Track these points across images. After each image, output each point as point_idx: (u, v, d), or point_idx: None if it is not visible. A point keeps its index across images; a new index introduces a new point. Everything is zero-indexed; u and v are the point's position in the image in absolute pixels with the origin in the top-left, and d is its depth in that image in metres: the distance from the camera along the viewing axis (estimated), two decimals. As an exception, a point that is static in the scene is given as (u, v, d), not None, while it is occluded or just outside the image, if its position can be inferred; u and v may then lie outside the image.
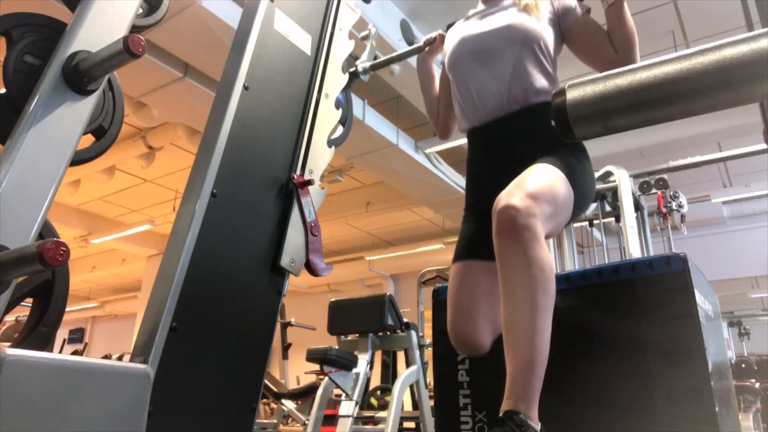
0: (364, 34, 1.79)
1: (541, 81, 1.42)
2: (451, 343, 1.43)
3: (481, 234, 1.43)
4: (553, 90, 1.41)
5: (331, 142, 1.39)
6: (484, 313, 1.38)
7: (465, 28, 1.56)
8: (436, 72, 1.79)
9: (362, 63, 1.75)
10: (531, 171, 1.26)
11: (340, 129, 1.59)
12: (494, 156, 1.46)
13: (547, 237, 1.19)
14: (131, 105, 5.03)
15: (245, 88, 1.21)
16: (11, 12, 1.00)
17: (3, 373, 0.69)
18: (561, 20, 1.48)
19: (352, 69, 1.66)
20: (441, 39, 1.72)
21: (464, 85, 1.51)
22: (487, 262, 1.38)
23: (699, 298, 1.27)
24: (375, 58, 1.79)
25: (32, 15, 1.02)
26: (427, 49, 1.75)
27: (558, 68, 1.50)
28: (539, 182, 1.22)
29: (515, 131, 1.43)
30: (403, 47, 4.20)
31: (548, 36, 1.45)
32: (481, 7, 1.60)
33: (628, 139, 5.43)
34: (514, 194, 1.16)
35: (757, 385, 5.67)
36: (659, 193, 4.65)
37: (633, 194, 4.33)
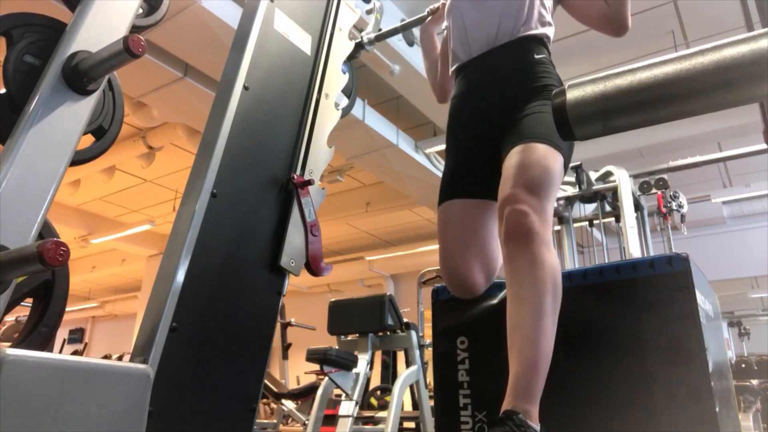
0: (368, 7, 1.82)
1: (532, 16, 1.45)
2: (449, 342, 1.44)
3: (463, 171, 1.46)
4: (544, 28, 1.46)
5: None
6: (473, 250, 1.39)
7: None
8: (438, 40, 1.83)
9: (367, 34, 1.77)
10: (528, 158, 1.26)
11: (345, 100, 1.61)
12: (479, 86, 1.48)
13: None
14: (131, 105, 5.03)
15: (245, 88, 1.21)
16: (11, 12, 1.00)
17: (3, 373, 0.69)
18: None
19: (357, 40, 1.69)
20: (443, 8, 1.75)
21: (459, 24, 1.54)
22: (472, 199, 1.41)
23: (700, 298, 1.27)
24: (379, 29, 1.82)
25: (32, 15, 1.02)
26: (429, 18, 1.79)
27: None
28: (537, 172, 1.23)
29: (501, 63, 1.45)
30: (403, 47, 4.21)
31: None
32: None
33: (628, 139, 5.43)
34: (519, 198, 1.18)
35: (757, 385, 5.67)
36: (659, 193, 4.65)
37: (633, 194, 4.33)
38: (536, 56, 1.42)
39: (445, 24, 1.69)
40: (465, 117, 1.50)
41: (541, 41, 1.46)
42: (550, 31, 1.49)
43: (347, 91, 1.62)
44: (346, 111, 1.58)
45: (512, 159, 1.27)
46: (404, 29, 1.89)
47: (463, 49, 1.52)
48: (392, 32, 1.86)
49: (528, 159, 1.26)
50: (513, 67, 1.43)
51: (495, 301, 1.53)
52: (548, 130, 1.30)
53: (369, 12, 1.84)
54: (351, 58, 1.63)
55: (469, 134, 1.47)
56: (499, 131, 1.39)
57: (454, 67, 1.56)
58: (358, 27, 1.64)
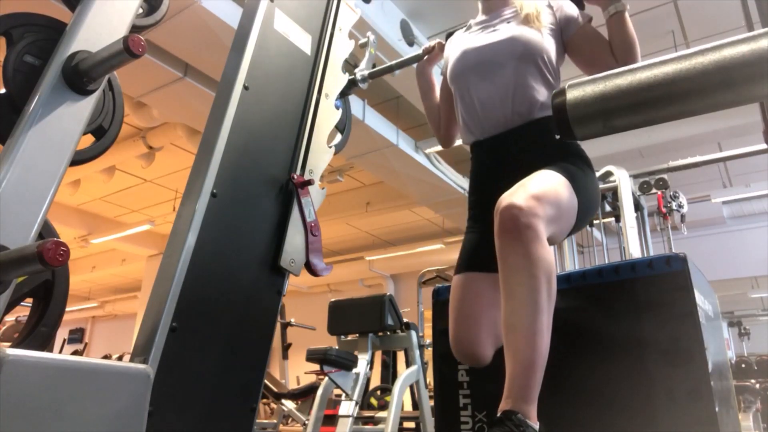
0: (362, 41, 1.78)
1: (544, 94, 1.42)
2: (449, 342, 1.43)
3: (484, 245, 1.43)
4: None
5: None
6: (487, 324, 1.37)
7: (466, 41, 1.54)
8: (436, 81, 1.78)
9: (361, 71, 1.73)
10: (534, 175, 1.26)
11: (339, 137, 1.59)
12: (497, 168, 1.46)
13: (550, 242, 1.18)
14: (131, 105, 5.03)
15: (245, 88, 1.21)
16: (11, 12, 1.00)
17: (3, 373, 0.69)
18: (563, 30, 1.47)
19: (350, 77, 1.66)
20: (440, 47, 1.70)
21: (467, 99, 1.50)
22: (489, 273, 1.39)
23: (699, 298, 1.27)
24: (374, 65, 1.78)
25: (32, 15, 1.02)
26: (426, 57, 1.74)
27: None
28: (542, 185, 1.22)
29: (519, 145, 1.42)
30: (403, 47, 4.22)
31: (550, 48, 1.44)
32: (482, 17, 1.59)
33: (628, 139, 5.43)
34: (516, 194, 1.16)
35: (757, 385, 5.67)
36: (659, 193, 4.65)
37: (633, 194, 4.33)
38: (557, 136, 1.40)
39: (443, 69, 1.65)
40: (485, 194, 1.47)
41: None
42: None
43: (341, 126, 1.59)
44: (339, 147, 1.55)
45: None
46: (399, 67, 1.82)
47: (477, 126, 1.49)
48: (386, 70, 1.80)
49: (534, 175, 1.25)
50: (533, 151, 1.40)
51: (495, 301, 1.53)
52: (566, 173, 1.28)
53: (363, 46, 1.79)
54: (344, 95, 1.60)
55: (490, 210, 1.44)
56: None
57: (470, 141, 1.53)
58: (351, 61, 1.60)
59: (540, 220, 1.14)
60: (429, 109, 1.77)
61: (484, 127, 1.47)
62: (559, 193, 1.23)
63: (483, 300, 1.39)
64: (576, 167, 1.35)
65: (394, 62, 1.83)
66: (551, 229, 1.19)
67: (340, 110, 1.46)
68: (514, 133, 1.43)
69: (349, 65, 1.56)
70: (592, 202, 1.38)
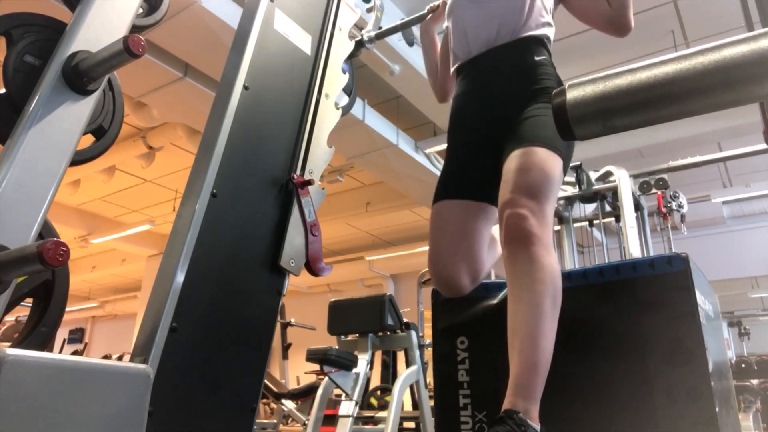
0: (368, 6, 1.83)
1: (532, 17, 1.45)
2: (449, 342, 1.44)
3: (460, 173, 1.46)
4: (544, 29, 1.46)
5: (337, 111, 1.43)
6: (463, 253, 1.39)
7: None
8: (438, 40, 1.83)
9: (367, 32, 1.78)
10: (529, 165, 1.26)
11: (346, 98, 1.62)
12: (479, 87, 1.48)
13: None
14: (131, 105, 5.03)
15: (245, 88, 1.21)
16: (11, 12, 1.00)
17: (3, 373, 0.69)
18: None
19: (357, 38, 1.70)
20: (443, 6, 1.74)
21: (459, 24, 1.54)
22: (466, 201, 1.42)
23: (699, 298, 1.27)
24: (380, 28, 1.82)
25: (32, 15, 1.02)
26: (430, 16, 1.79)
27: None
28: (540, 181, 1.23)
29: (501, 63, 1.45)
30: (403, 47, 4.21)
31: None
32: None
33: (628, 139, 5.43)
34: (519, 201, 1.19)
35: (758, 385, 5.67)
36: (659, 193, 4.65)
37: (633, 194, 4.33)
38: (536, 58, 1.43)
39: (445, 24, 1.69)
40: (465, 118, 1.50)
41: (541, 42, 1.45)
42: (550, 32, 1.49)
43: (348, 90, 1.63)
44: (347, 110, 1.59)
45: (512, 163, 1.28)
46: (404, 27, 1.89)
47: (463, 49, 1.52)
48: (392, 30, 1.86)
49: (527, 163, 1.26)
50: (513, 68, 1.43)
51: (495, 301, 1.53)
52: (548, 134, 1.30)
53: (369, 10, 1.84)
54: (352, 57, 1.63)
55: (468, 136, 1.48)
56: (498, 133, 1.39)
57: (455, 66, 1.56)
58: (359, 26, 1.64)
59: (544, 226, 1.18)
60: (429, 66, 1.82)
61: (472, 48, 1.50)
62: (552, 178, 1.26)
63: (460, 227, 1.41)
64: (547, 110, 1.36)
65: (399, 22, 1.89)
66: (550, 216, 1.25)
67: (347, 75, 1.49)
68: (497, 51, 1.45)
69: (356, 27, 1.60)
70: (571, 150, 1.41)
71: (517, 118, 1.36)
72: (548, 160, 1.28)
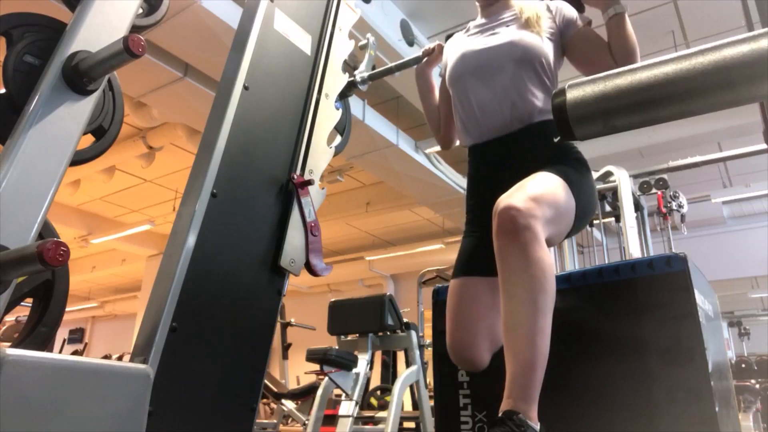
0: (362, 43, 1.78)
1: (542, 99, 1.42)
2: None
3: (482, 249, 1.43)
4: None
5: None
6: (484, 329, 1.37)
7: (465, 44, 1.54)
8: (435, 83, 1.78)
9: (360, 73, 1.73)
10: (532, 177, 1.26)
11: (338, 139, 1.59)
12: (495, 172, 1.46)
13: (548, 243, 1.19)
14: (131, 105, 5.03)
15: (245, 88, 1.21)
16: (11, 12, 1.00)
17: (3, 373, 0.69)
18: (562, 33, 1.47)
19: (350, 79, 1.65)
20: (439, 50, 1.70)
21: (466, 102, 1.50)
22: (487, 277, 1.39)
23: (699, 298, 1.27)
24: (374, 67, 1.78)
25: (32, 15, 1.02)
26: (425, 60, 1.73)
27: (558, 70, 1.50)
28: (540, 187, 1.22)
29: (518, 149, 1.42)
30: (403, 47, 4.21)
31: (549, 52, 1.44)
32: (481, 20, 1.58)
33: (628, 139, 5.43)
34: (514, 196, 1.17)
35: (757, 385, 5.67)
36: (659, 193, 4.65)
37: (633, 194, 4.33)
38: (555, 139, 1.39)
39: (441, 71, 1.65)
40: (483, 199, 1.46)
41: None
42: None
43: (341, 128, 1.59)
44: (339, 149, 1.54)
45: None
46: (398, 69, 1.81)
47: (475, 130, 1.49)
48: (386, 72, 1.79)
49: (532, 177, 1.26)
50: (531, 155, 1.40)
51: (495, 301, 1.52)
52: (564, 175, 1.29)
53: (362, 48, 1.79)
54: (344, 96, 1.60)
55: (484, 218, 1.41)
56: None
57: (468, 144, 1.53)
58: (351, 63, 1.60)
59: (538, 221, 1.14)
60: (428, 111, 1.77)
61: (483, 131, 1.47)
62: (557, 195, 1.24)
63: (480, 304, 1.39)
64: (573, 169, 1.35)
65: (393, 64, 1.83)
66: (549, 231, 1.19)
67: (340, 111, 1.46)
68: (513, 138, 1.43)
69: (349, 67, 1.56)
70: (590, 204, 1.38)
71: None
72: (556, 181, 1.26)
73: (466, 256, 1.47)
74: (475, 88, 1.47)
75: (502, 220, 1.15)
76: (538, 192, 1.19)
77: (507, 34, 1.46)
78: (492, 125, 1.45)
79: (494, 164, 1.46)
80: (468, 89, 1.49)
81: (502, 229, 1.15)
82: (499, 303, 1.27)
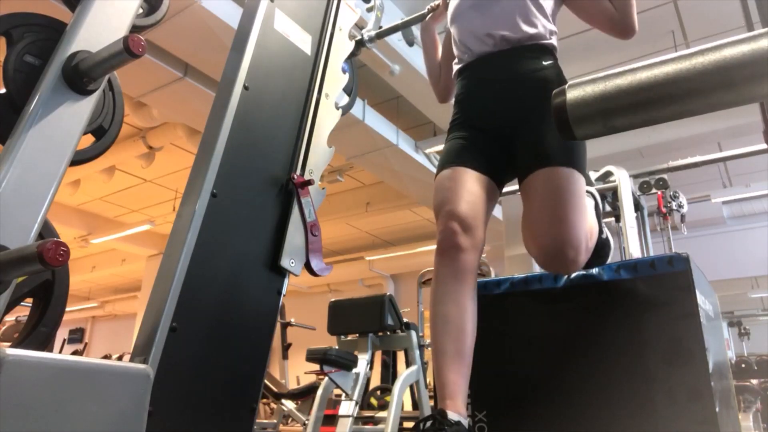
0: (369, 5, 1.81)
1: (536, 25, 1.44)
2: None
3: (469, 149, 1.42)
4: (547, 36, 1.45)
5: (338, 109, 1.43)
6: (472, 207, 1.32)
7: None
8: (439, 39, 1.81)
9: (368, 32, 1.77)
10: (561, 195, 1.28)
11: (346, 98, 1.61)
12: (484, 85, 1.47)
13: None
14: (131, 105, 5.03)
15: (245, 88, 1.21)
16: (11, 12, 1.00)
17: (3, 373, 0.69)
18: None
19: (357, 37, 1.69)
20: (444, 5, 1.73)
21: (462, 33, 1.53)
22: (476, 172, 1.38)
23: (700, 298, 1.27)
24: (380, 27, 1.81)
25: (32, 15, 1.02)
26: (430, 15, 1.77)
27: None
28: (577, 212, 1.28)
29: (506, 64, 1.44)
30: (403, 47, 4.21)
31: None
32: None
33: (628, 139, 5.43)
34: (567, 242, 1.24)
35: (758, 385, 5.67)
36: (659, 193, 4.65)
37: (633, 194, 4.33)
38: (545, 62, 1.42)
39: (447, 26, 1.68)
40: (470, 117, 1.48)
41: (548, 50, 1.45)
42: (555, 40, 1.48)
43: (348, 89, 1.62)
44: (347, 109, 1.58)
45: (542, 189, 1.30)
46: (405, 26, 1.88)
47: (467, 52, 1.51)
48: (393, 30, 1.85)
49: (561, 196, 1.28)
50: (522, 70, 1.42)
51: (494, 301, 1.53)
52: (573, 151, 1.33)
53: (369, 10, 1.83)
54: (352, 56, 1.62)
55: (475, 131, 1.45)
56: (511, 130, 1.39)
57: (457, 68, 1.55)
58: (359, 25, 1.64)
59: (585, 253, 1.27)
60: (430, 65, 1.80)
61: (474, 51, 1.48)
62: (582, 202, 1.32)
63: (473, 189, 1.36)
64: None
65: (399, 22, 1.89)
66: (588, 229, 1.33)
67: (347, 74, 1.49)
68: (501, 55, 1.44)
69: (357, 27, 1.59)
70: (585, 164, 1.42)
71: (534, 122, 1.35)
72: (578, 186, 1.31)
73: (454, 154, 1.44)
74: (471, 19, 1.51)
75: (556, 265, 1.26)
76: (579, 222, 1.27)
77: None
78: (483, 45, 1.47)
79: (482, 77, 1.48)
80: (465, 20, 1.53)
81: (555, 269, 1.27)
82: (486, 199, 1.36)
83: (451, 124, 1.54)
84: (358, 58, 1.79)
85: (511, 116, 1.39)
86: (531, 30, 1.43)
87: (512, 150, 1.39)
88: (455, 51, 1.56)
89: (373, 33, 1.78)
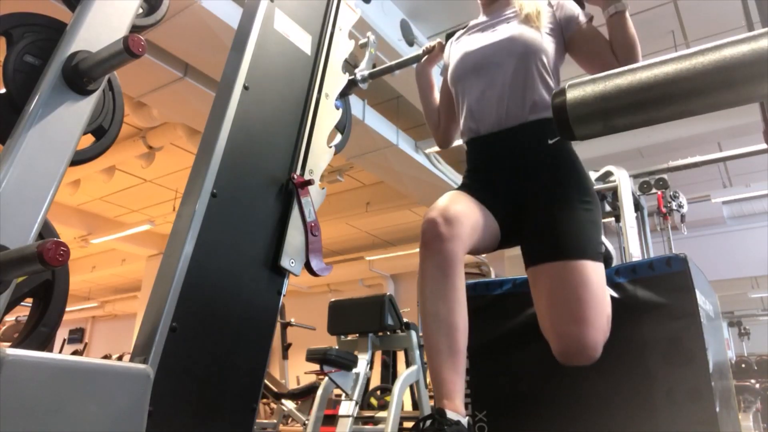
0: (362, 42, 1.77)
1: (541, 95, 1.41)
2: None
3: (482, 194, 1.38)
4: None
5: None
6: (472, 224, 1.28)
7: (466, 43, 1.54)
8: (436, 81, 1.78)
9: (361, 71, 1.73)
10: (583, 294, 1.23)
11: (338, 137, 1.59)
12: (496, 163, 1.44)
13: None
14: (131, 105, 5.03)
15: (245, 88, 1.21)
16: (11, 12, 1.00)
17: (3, 373, 0.69)
18: (564, 29, 1.46)
19: (351, 77, 1.65)
20: (440, 47, 1.69)
21: (466, 100, 1.49)
22: (485, 206, 1.35)
23: (700, 298, 1.27)
24: (374, 65, 1.78)
25: (32, 15, 1.02)
26: (425, 58, 1.72)
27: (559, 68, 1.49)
28: (598, 309, 1.24)
29: (515, 145, 1.41)
30: (403, 47, 4.21)
31: (549, 48, 1.43)
32: (482, 18, 1.58)
33: (628, 139, 5.43)
34: (588, 345, 1.21)
35: (757, 385, 5.67)
36: (659, 193, 4.65)
37: (633, 194, 4.33)
38: (550, 143, 1.38)
39: (441, 72, 1.64)
40: (485, 180, 1.44)
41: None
42: None
43: (341, 126, 1.58)
44: (340, 147, 1.54)
45: (557, 286, 1.26)
46: (399, 67, 1.81)
47: (473, 128, 1.48)
48: (386, 70, 1.79)
49: (580, 296, 1.23)
50: (528, 153, 1.39)
51: (494, 301, 1.53)
52: (588, 240, 1.30)
53: (363, 46, 1.79)
54: (344, 95, 1.60)
55: (486, 191, 1.40)
56: (522, 212, 1.37)
57: (466, 138, 1.52)
58: (351, 62, 1.60)
59: (604, 339, 1.24)
60: (427, 110, 1.75)
61: (481, 126, 1.46)
62: (605, 294, 1.28)
63: (477, 209, 1.33)
64: (589, 206, 1.35)
65: (393, 63, 1.83)
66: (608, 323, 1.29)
67: (340, 110, 1.46)
68: (510, 133, 1.41)
69: (349, 65, 1.56)
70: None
71: (546, 206, 1.33)
72: (599, 279, 1.27)
73: (465, 186, 1.43)
74: (474, 86, 1.47)
75: (575, 360, 1.23)
76: (600, 320, 1.23)
77: (507, 30, 1.45)
78: (489, 121, 1.44)
79: (493, 155, 1.45)
80: (468, 87, 1.49)
81: (571, 362, 1.24)
82: (487, 231, 1.33)
83: (462, 185, 1.50)
84: (359, 57, 1.79)
85: (520, 194, 1.37)
86: (536, 102, 1.40)
87: (521, 225, 1.36)
88: (461, 114, 1.53)
89: (366, 73, 1.74)
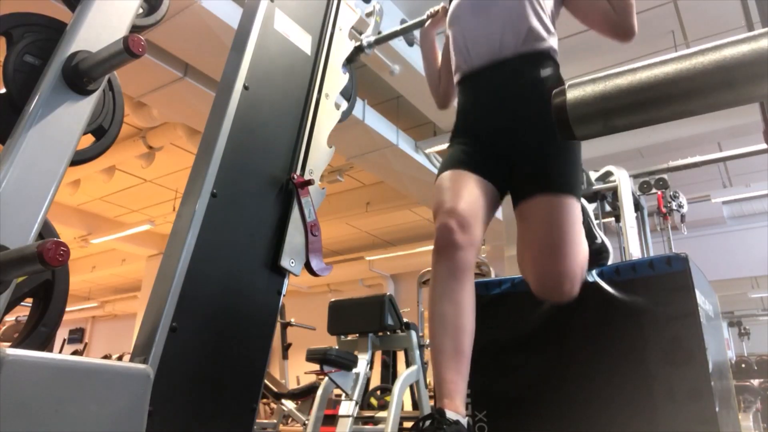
0: (368, 10, 1.81)
1: (535, 29, 1.41)
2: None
3: (472, 155, 1.39)
4: (548, 40, 1.43)
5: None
6: (472, 207, 1.29)
7: None
8: (438, 45, 1.80)
9: (366, 37, 1.76)
10: (560, 227, 1.27)
11: (345, 104, 1.60)
12: (487, 97, 1.44)
13: None
14: (131, 105, 5.03)
15: (245, 88, 1.21)
16: (11, 12, 1.00)
17: (3, 373, 0.69)
18: None
19: (357, 43, 1.67)
20: (443, 11, 1.71)
21: (460, 37, 1.51)
22: (479, 176, 1.35)
23: (700, 298, 1.27)
24: (379, 32, 1.81)
25: (32, 15, 1.02)
26: (429, 21, 1.76)
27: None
28: (575, 244, 1.29)
29: (507, 77, 1.42)
30: (403, 47, 4.21)
31: None
32: None
33: (628, 139, 5.43)
34: (565, 275, 1.25)
35: (758, 385, 5.67)
36: (659, 193, 4.65)
37: (633, 194, 4.33)
38: (544, 73, 1.39)
39: (446, 31, 1.67)
40: (473, 125, 1.45)
41: (548, 55, 1.42)
42: (554, 42, 1.46)
43: (347, 94, 1.60)
44: (346, 114, 1.56)
45: (541, 219, 1.30)
46: (404, 32, 1.87)
47: (466, 61, 1.48)
48: (392, 35, 1.84)
49: (561, 228, 1.28)
50: (520, 83, 1.40)
51: (494, 301, 1.53)
52: (572, 176, 1.33)
53: (369, 15, 1.83)
54: (350, 61, 1.62)
55: (478, 139, 1.42)
56: (509, 144, 1.37)
57: (457, 78, 1.52)
58: (358, 29, 1.63)
59: (579, 286, 1.28)
60: (429, 71, 1.77)
61: (474, 60, 1.46)
62: (580, 229, 1.33)
63: (474, 190, 1.33)
64: (572, 153, 1.36)
65: (398, 27, 1.87)
66: (585, 251, 1.35)
67: (347, 76, 1.47)
68: (502, 65, 1.42)
69: (355, 32, 1.58)
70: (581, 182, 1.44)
71: (534, 141, 1.34)
72: (576, 215, 1.31)
73: (456, 158, 1.42)
74: (470, 22, 1.49)
75: (559, 298, 1.27)
76: (578, 254, 1.28)
77: None
78: (482, 53, 1.45)
79: (484, 89, 1.45)
80: (463, 25, 1.51)
81: (549, 296, 1.28)
82: (487, 204, 1.34)
83: (454, 131, 1.51)
84: (358, 58, 1.79)
85: (510, 132, 1.38)
86: (530, 33, 1.41)
87: (511, 166, 1.38)
88: (453, 57, 1.54)
89: (372, 38, 1.77)
